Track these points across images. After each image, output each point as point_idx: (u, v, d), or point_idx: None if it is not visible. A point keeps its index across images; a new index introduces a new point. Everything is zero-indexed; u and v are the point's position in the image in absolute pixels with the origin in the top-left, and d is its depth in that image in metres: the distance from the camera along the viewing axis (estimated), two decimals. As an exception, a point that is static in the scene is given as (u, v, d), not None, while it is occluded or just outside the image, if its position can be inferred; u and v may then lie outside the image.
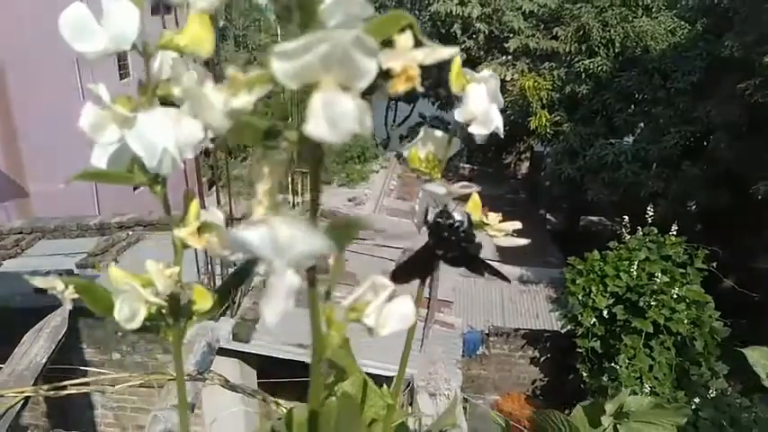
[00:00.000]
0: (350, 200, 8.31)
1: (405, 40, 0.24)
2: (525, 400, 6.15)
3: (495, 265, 0.45)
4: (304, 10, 0.22)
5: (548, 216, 10.04)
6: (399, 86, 0.23)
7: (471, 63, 9.37)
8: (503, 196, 9.78)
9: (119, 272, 0.35)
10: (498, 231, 0.41)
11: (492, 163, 10.91)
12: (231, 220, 5.19)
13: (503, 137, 0.36)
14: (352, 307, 0.30)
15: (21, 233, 5.66)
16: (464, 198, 0.41)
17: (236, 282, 0.42)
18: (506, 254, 7.81)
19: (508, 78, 8.69)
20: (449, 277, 6.44)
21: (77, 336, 4.36)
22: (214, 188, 5.79)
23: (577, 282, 5.53)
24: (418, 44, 0.24)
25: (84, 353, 4.59)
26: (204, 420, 3.47)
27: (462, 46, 9.34)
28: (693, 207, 6.82)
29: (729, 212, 6.48)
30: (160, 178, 0.35)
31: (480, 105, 0.35)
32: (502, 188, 10.11)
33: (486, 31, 9.06)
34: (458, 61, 0.35)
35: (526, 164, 10.83)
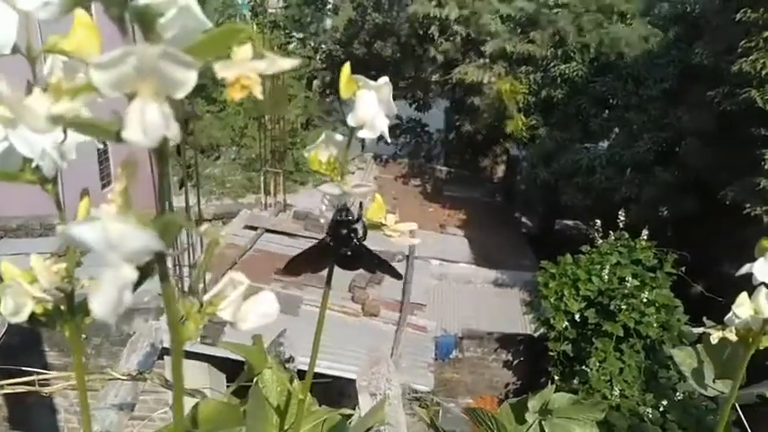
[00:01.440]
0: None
1: (242, 52, 0.25)
2: (498, 403, 6.17)
3: (397, 266, 0.44)
4: (142, 23, 0.23)
5: (523, 219, 10.13)
6: (234, 94, 0.24)
7: (449, 65, 9.41)
8: (479, 199, 9.83)
9: (9, 267, 0.36)
10: (394, 232, 0.42)
11: (468, 166, 10.96)
12: (200, 220, 5.11)
13: (389, 142, 0.35)
14: (210, 301, 0.31)
15: (-18, 232, 5.51)
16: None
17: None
18: (481, 257, 7.88)
19: (485, 81, 8.73)
20: (422, 280, 6.44)
21: (38, 339, 4.26)
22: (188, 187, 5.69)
23: (550, 285, 5.57)
24: (260, 56, 0.26)
25: (46, 356, 4.48)
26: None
27: (440, 48, 9.37)
28: (665, 212, 6.93)
29: (699, 217, 6.60)
30: (51, 177, 0.36)
31: (369, 111, 0.35)
32: (478, 191, 10.17)
33: (464, 34, 9.10)
34: (347, 69, 0.36)
35: (502, 167, 10.91)
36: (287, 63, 0.24)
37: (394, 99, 0.35)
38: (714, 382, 0.62)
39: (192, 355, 4.11)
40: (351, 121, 0.35)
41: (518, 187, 10.25)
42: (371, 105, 0.34)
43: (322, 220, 0.42)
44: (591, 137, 7.96)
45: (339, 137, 0.38)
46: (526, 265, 7.26)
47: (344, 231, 0.41)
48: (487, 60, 8.77)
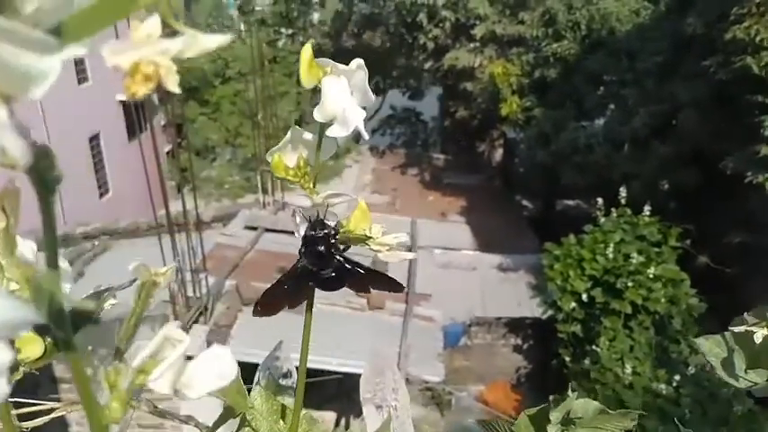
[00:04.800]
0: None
1: (144, 27, 0.17)
2: (510, 388, 6.15)
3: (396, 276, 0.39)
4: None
5: (523, 202, 10.06)
6: (133, 88, 0.17)
7: (440, 52, 9.32)
8: (478, 185, 9.77)
9: None
10: (382, 245, 0.34)
11: (465, 152, 10.89)
12: (199, 224, 5.08)
13: (367, 137, 0.29)
14: (140, 368, 0.23)
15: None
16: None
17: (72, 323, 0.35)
18: (484, 243, 7.83)
19: (477, 65, 8.65)
20: (426, 270, 6.40)
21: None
22: (184, 192, 5.65)
23: (555, 267, 5.53)
24: (174, 33, 0.18)
25: (53, 368, 4.44)
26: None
27: (429, 35, 9.27)
28: (665, 186, 6.87)
29: (700, 189, 6.54)
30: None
31: (338, 102, 0.29)
32: (476, 177, 10.10)
33: (453, 19, 8.99)
34: (307, 50, 0.29)
35: (500, 151, 10.83)
36: (211, 40, 0.17)
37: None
38: (746, 372, 0.57)
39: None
40: (317, 115, 0.29)
41: (516, 170, 10.18)
42: (341, 95, 0.29)
43: (297, 235, 0.35)
44: (586, 115, 7.88)
45: (308, 135, 0.32)
46: (529, 248, 7.21)
47: (321, 248, 0.33)
48: (478, 44, 8.69)
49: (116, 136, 8.98)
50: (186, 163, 6.78)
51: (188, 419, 0.89)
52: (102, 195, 8.64)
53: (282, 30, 11.57)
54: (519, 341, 6.49)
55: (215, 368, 0.23)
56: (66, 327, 0.20)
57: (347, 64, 0.30)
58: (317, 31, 11.49)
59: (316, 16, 11.78)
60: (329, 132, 0.29)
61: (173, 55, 0.17)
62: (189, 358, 0.24)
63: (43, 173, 0.17)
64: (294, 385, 0.75)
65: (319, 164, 0.32)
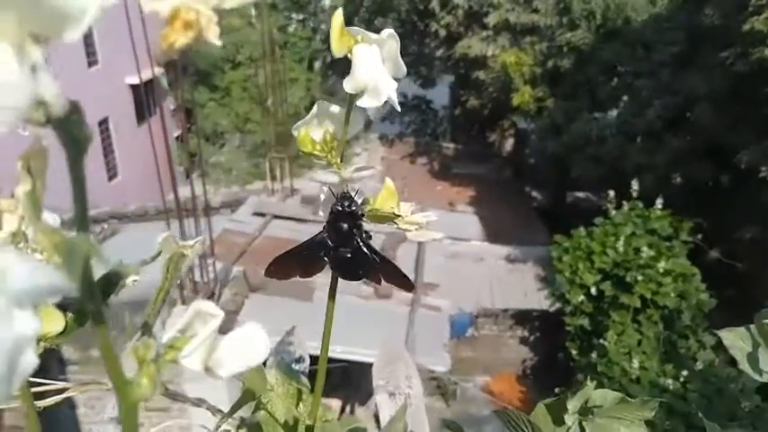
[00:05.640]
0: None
1: None
2: (516, 380, 6.15)
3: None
4: None
5: (533, 193, 10.00)
6: (172, 37, 0.15)
7: (452, 40, 9.23)
8: (487, 175, 9.72)
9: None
10: (410, 224, 0.33)
11: (476, 141, 10.82)
12: (207, 209, 5.07)
13: (399, 110, 0.27)
14: (170, 344, 0.22)
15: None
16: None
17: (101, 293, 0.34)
18: (492, 233, 7.80)
19: (489, 54, 8.56)
20: (434, 260, 6.38)
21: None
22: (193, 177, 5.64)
23: (564, 259, 5.49)
24: None
25: (61, 350, 4.47)
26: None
27: (442, 22, 9.18)
28: (678, 179, 6.80)
29: (714, 183, 6.47)
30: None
31: (370, 72, 0.27)
32: (486, 167, 10.04)
33: (466, 6, 8.89)
34: (338, 17, 0.27)
35: (511, 141, 10.75)
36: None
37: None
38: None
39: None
40: (348, 85, 0.27)
41: (527, 161, 10.11)
42: (373, 64, 0.26)
43: (320, 213, 0.33)
44: (600, 106, 7.79)
45: (335, 108, 0.30)
46: (538, 240, 7.18)
47: (345, 226, 0.32)
48: (491, 32, 8.59)
49: (125, 120, 8.98)
50: (195, 148, 6.78)
51: (199, 402, 0.87)
52: (110, 179, 8.66)
53: (293, 15, 11.51)
54: (526, 333, 6.47)
55: (248, 347, 0.22)
56: (96, 297, 0.19)
57: None
58: (327, 17, 11.41)
59: (327, 1, 11.70)
60: (360, 103, 0.27)
61: (213, 4, 0.15)
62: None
63: (73, 129, 0.15)
64: (306, 370, 0.73)
65: (346, 138, 0.30)
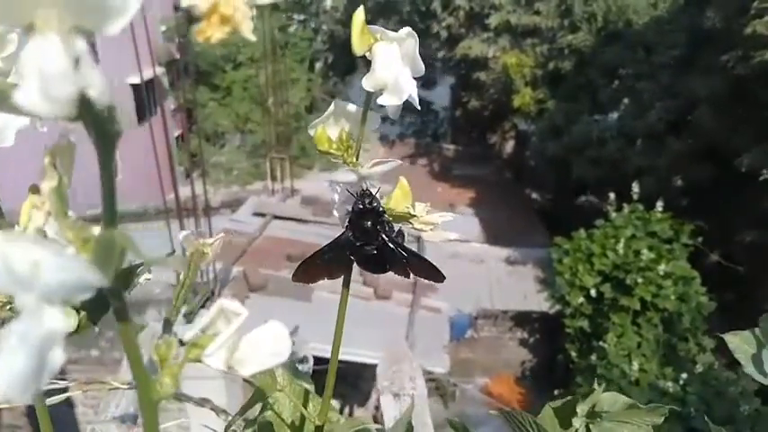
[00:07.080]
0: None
1: None
2: (515, 382, 6.14)
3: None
4: None
5: (533, 195, 10.00)
6: (209, 31, 0.15)
7: (453, 41, 9.23)
8: (487, 177, 9.71)
9: None
10: (426, 224, 0.34)
11: (476, 143, 10.82)
12: (207, 209, 5.07)
13: (419, 108, 0.27)
14: (194, 341, 0.22)
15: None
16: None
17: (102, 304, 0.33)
18: (492, 235, 7.79)
19: (490, 55, 8.56)
20: (434, 261, 6.38)
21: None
22: (193, 177, 5.63)
23: (564, 261, 5.49)
24: None
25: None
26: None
27: (443, 23, 9.18)
28: (679, 182, 6.80)
29: (714, 186, 6.47)
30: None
31: (390, 70, 0.27)
32: (486, 168, 10.04)
33: (467, 8, 8.90)
34: (360, 15, 0.28)
35: (511, 143, 10.75)
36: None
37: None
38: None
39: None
40: (367, 83, 0.27)
41: (527, 163, 10.11)
42: (394, 62, 0.27)
43: (336, 213, 0.33)
44: (600, 108, 7.80)
45: (352, 107, 0.30)
46: (538, 242, 7.17)
47: (369, 223, 0.32)
48: (492, 34, 8.59)
49: (126, 119, 8.97)
50: (196, 148, 6.77)
51: (203, 402, 0.87)
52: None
53: (294, 15, 11.50)
54: (525, 335, 6.47)
55: (270, 345, 0.22)
56: (121, 294, 0.18)
57: None
58: (329, 18, 11.42)
59: (328, 2, 11.70)
60: (380, 100, 0.27)
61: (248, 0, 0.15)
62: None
63: (107, 124, 0.15)
64: (310, 371, 0.73)
65: (363, 137, 0.30)
